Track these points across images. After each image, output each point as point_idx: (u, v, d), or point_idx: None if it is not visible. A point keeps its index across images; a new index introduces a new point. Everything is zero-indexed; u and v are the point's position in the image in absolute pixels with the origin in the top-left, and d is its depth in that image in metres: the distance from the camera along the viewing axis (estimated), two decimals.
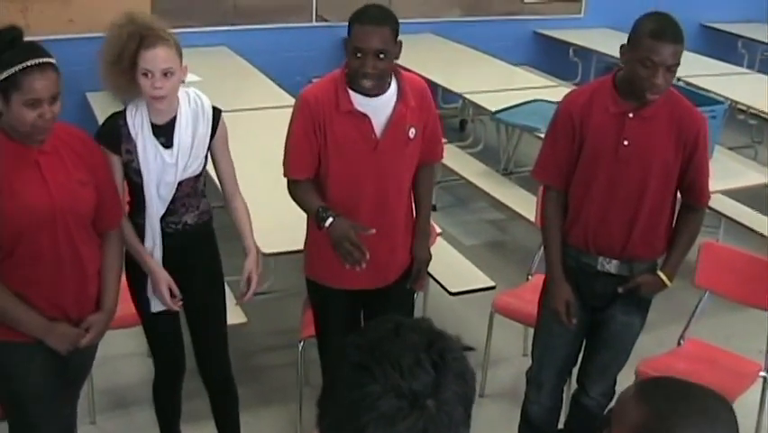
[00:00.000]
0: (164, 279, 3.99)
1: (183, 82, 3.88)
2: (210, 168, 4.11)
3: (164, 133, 3.88)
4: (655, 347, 4.93)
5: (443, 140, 4.28)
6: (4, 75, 3.27)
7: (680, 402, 1.95)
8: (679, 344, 4.90)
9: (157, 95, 3.75)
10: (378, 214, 3.97)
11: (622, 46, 3.86)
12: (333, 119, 3.87)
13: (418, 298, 4.50)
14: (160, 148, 3.86)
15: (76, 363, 3.78)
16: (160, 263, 3.98)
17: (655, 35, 3.70)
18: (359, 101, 3.85)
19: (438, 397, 1.54)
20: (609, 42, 8.69)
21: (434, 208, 4.39)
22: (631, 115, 3.87)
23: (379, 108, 3.88)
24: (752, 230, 6.37)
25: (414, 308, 4.42)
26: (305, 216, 4.05)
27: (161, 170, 3.86)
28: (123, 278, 3.93)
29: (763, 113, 8.00)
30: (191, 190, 3.98)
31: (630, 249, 4.04)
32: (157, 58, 3.73)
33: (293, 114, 3.97)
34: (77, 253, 3.54)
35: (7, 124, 3.39)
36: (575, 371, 4.45)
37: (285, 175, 3.99)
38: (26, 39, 3.38)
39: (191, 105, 3.93)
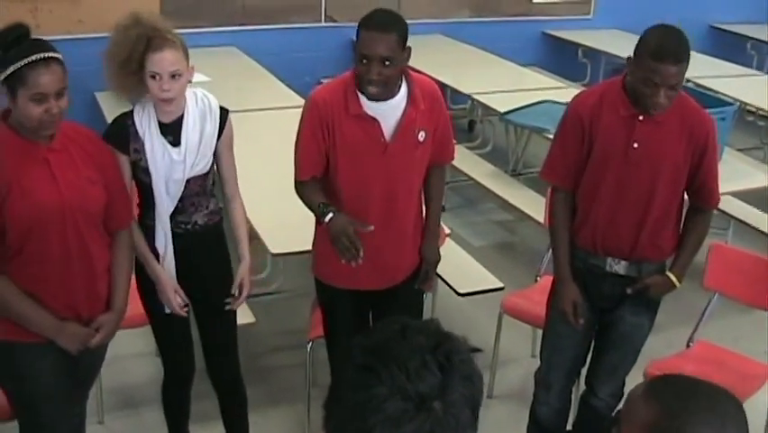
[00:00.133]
0: (171, 285, 4.00)
1: (190, 82, 3.89)
2: None
3: (171, 132, 3.89)
4: (664, 349, 4.93)
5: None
6: (10, 70, 3.29)
7: (690, 400, 1.94)
8: (688, 345, 4.89)
9: (166, 97, 3.77)
10: (387, 215, 3.97)
11: (628, 58, 3.85)
12: (342, 122, 3.86)
13: (427, 298, 4.49)
14: (168, 146, 3.87)
15: (86, 363, 3.79)
16: (172, 263, 3.99)
17: (657, 57, 3.68)
18: (368, 104, 3.85)
19: (445, 399, 1.54)
20: (618, 44, 8.71)
21: (443, 209, 4.38)
22: (641, 117, 3.86)
23: (388, 112, 3.88)
24: (761, 232, 6.35)
25: (423, 308, 4.42)
26: (313, 216, 4.05)
27: (169, 168, 3.87)
28: (133, 278, 3.93)
29: None
30: (200, 189, 3.99)
31: (639, 250, 4.03)
32: (164, 61, 3.74)
33: (302, 115, 3.98)
34: (86, 250, 3.55)
35: (15, 120, 3.40)
36: (584, 372, 4.44)
37: (295, 177, 4.00)
38: (34, 37, 3.40)
39: (198, 105, 3.95)
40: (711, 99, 6.49)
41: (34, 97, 3.29)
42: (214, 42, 8.55)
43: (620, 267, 4.08)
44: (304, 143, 3.96)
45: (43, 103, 3.31)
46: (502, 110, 7.32)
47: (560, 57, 10.15)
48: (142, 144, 3.86)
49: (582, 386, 4.48)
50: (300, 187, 4.00)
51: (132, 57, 3.76)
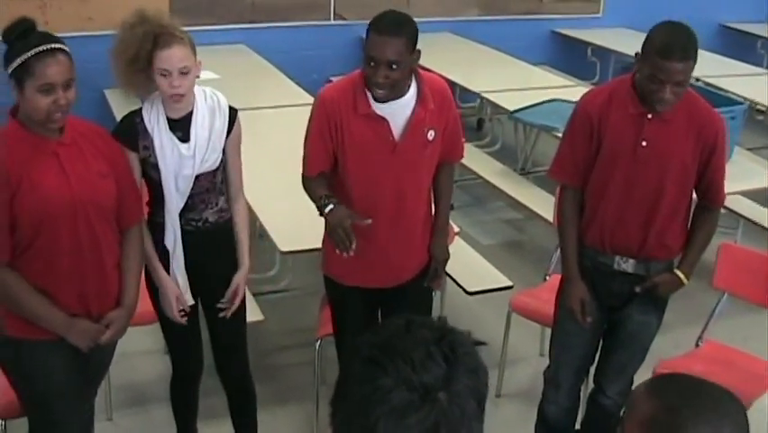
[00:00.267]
0: (173, 291, 4.02)
1: (198, 77, 3.89)
2: None
3: (180, 128, 3.90)
4: (672, 349, 4.92)
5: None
6: (18, 62, 3.31)
7: (692, 398, 1.95)
8: (696, 345, 4.88)
9: (175, 93, 3.78)
10: (396, 214, 3.98)
11: (636, 54, 3.85)
12: (350, 121, 3.87)
13: (435, 297, 4.48)
14: (177, 142, 3.88)
15: (96, 360, 3.80)
16: (181, 260, 4.00)
17: (663, 54, 3.68)
18: (377, 104, 3.85)
19: (450, 390, 1.54)
20: (628, 42, 8.68)
21: (452, 207, 4.37)
22: (650, 116, 3.86)
23: (397, 111, 3.88)
24: None
25: (432, 306, 4.42)
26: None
27: (179, 164, 3.88)
28: (142, 275, 3.93)
29: None
30: (210, 185, 3.99)
31: (647, 249, 4.03)
32: (173, 57, 3.75)
33: (311, 113, 3.99)
34: (96, 245, 3.55)
35: (24, 114, 3.41)
36: (592, 370, 4.44)
37: (303, 172, 4.01)
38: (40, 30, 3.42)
39: (207, 102, 3.96)
40: (721, 98, 6.48)
41: (42, 88, 3.30)
42: (224, 40, 8.57)
43: (628, 265, 4.08)
44: (312, 141, 3.97)
45: (51, 94, 3.31)
46: (511, 109, 7.32)
47: (569, 55, 10.15)
48: (152, 141, 3.86)
49: (591, 385, 4.47)
50: (307, 181, 4.02)
51: (140, 54, 3.78)
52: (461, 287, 5.03)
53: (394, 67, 3.70)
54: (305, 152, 4.01)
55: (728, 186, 4.11)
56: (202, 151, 3.90)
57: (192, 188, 3.94)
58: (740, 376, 4.50)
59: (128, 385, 5.27)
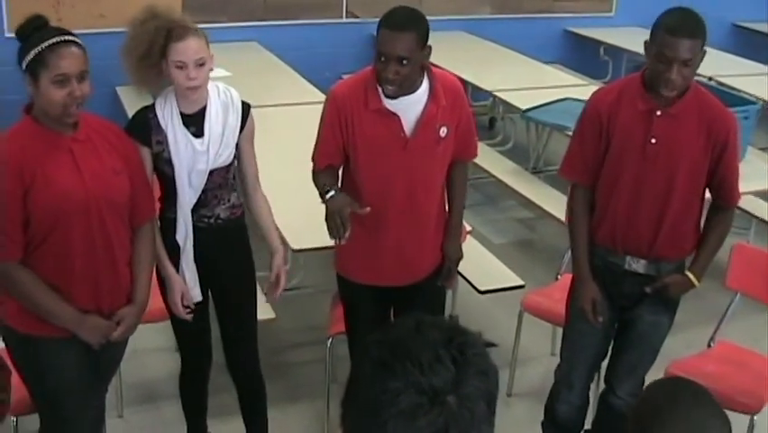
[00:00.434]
0: (178, 286, 4.02)
1: (212, 69, 3.89)
2: None
3: (194, 123, 3.90)
4: (684, 349, 4.91)
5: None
6: (32, 54, 3.32)
7: (667, 403, 1.98)
8: (709, 345, 4.86)
9: (192, 85, 3.78)
10: (408, 211, 3.98)
11: (645, 42, 3.85)
12: (361, 117, 3.88)
13: (447, 296, 4.48)
14: (191, 137, 3.88)
15: (107, 357, 3.80)
16: (191, 255, 4.00)
17: (670, 30, 3.70)
18: (388, 100, 3.85)
19: (459, 393, 1.54)
20: (640, 41, 8.53)
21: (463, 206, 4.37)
22: (659, 112, 3.86)
23: (408, 107, 3.88)
24: None
25: (444, 306, 4.41)
26: None
27: (192, 159, 3.88)
28: (153, 271, 3.94)
29: None
30: (222, 181, 4.00)
31: (658, 248, 4.02)
32: (189, 49, 3.76)
33: (323, 109, 4.02)
34: (109, 242, 3.56)
35: (39, 110, 3.42)
36: (603, 370, 4.43)
37: (312, 166, 4.03)
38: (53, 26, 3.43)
39: (221, 97, 3.97)
40: (734, 98, 6.46)
41: (56, 79, 3.31)
42: (236, 38, 8.57)
43: (639, 266, 4.07)
44: (322, 136, 4.00)
45: (66, 86, 3.32)
46: (523, 107, 7.31)
47: (581, 54, 10.13)
48: (165, 136, 3.87)
49: (602, 385, 4.46)
50: (315, 175, 4.03)
51: (153, 49, 3.79)
52: (472, 286, 5.02)
53: (404, 62, 3.71)
54: (315, 146, 4.04)
55: (741, 186, 4.08)
56: (216, 146, 3.91)
57: (205, 184, 3.94)
58: (752, 377, 4.48)
59: (139, 382, 5.28)
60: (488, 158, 7.28)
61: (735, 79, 8.11)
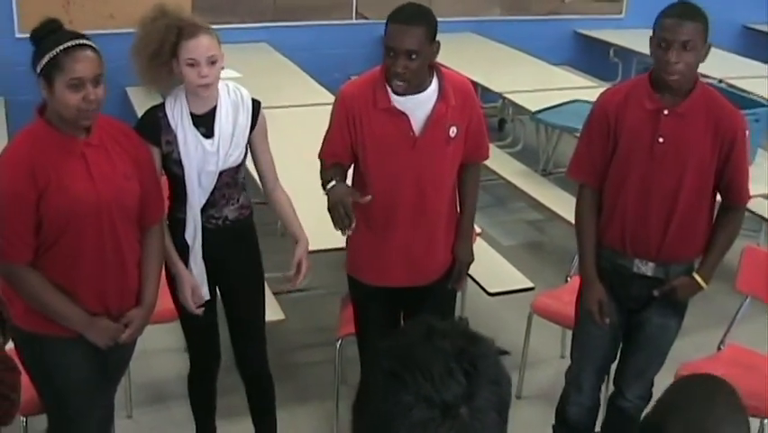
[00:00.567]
0: (188, 282, 4.02)
1: (222, 68, 3.89)
2: (249, 162, 4.13)
3: (204, 123, 3.90)
4: (694, 352, 4.89)
5: None
6: (46, 59, 3.32)
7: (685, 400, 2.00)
8: (719, 348, 4.85)
9: (204, 83, 3.78)
10: (417, 211, 3.98)
11: (650, 38, 3.86)
12: (370, 116, 3.88)
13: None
14: (201, 138, 3.88)
15: (115, 358, 3.81)
16: (199, 255, 4.00)
17: (667, 14, 3.76)
18: (397, 99, 3.85)
19: (471, 405, 1.53)
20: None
21: None
22: (666, 112, 3.85)
23: (417, 106, 3.87)
24: None
25: (455, 308, 4.41)
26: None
27: (202, 159, 3.88)
28: (163, 271, 3.94)
29: None
30: (231, 180, 4.00)
31: (666, 249, 4.00)
32: (201, 46, 3.76)
33: (332, 108, 4.04)
34: (119, 246, 3.57)
35: (53, 113, 3.42)
36: (613, 372, 4.43)
37: (320, 164, 4.04)
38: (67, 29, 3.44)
39: (231, 96, 3.97)
40: (744, 100, 6.44)
41: (71, 83, 3.31)
42: (246, 39, 8.58)
43: (647, 268, 4.06)
44: (330, 135, 4.02)
45: (81, 90, 3.32)
46: (533, 109, 7.30)
47: (591, 56, 10.12)
48: (175, 136, 3.87)
49: (611, 387, 4.45)
50: (322, 171, 4.02)
51: (163, 47, 3.79)
52: (482, 287, 5.02)
53: (413, 56, 3.71)
54: (322, 144, 4.06)
55: (751, 188, 4.07)
56: (226, 146, 3.91)
57: (214, 184, 3.94)
58: (763, 380, 4.47)
59: (148, 383, 5.28)
60: (497, 159, 7.27)
61: (745, 81, 8.08)
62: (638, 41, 9.48)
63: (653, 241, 4.00)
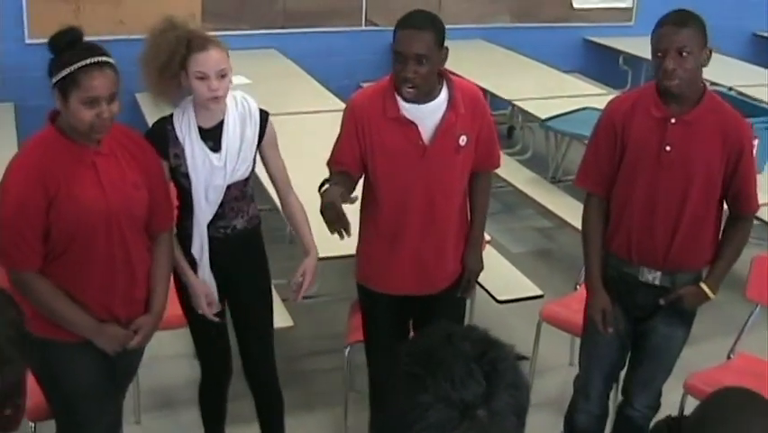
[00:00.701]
0: (202, 290, 4.01)
1: (230, 82, 3.88)
2: (261, 170, 4.13)
3: (212, 137, 3.89)
4: (704, 361, 4.87)
5: None
6: (64, 73, 3.31)
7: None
8: (728, 357, 4.84)
9: (214, 96, 3.77)
10: (427, 220, 3.97)
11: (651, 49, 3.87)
12: (379, 125, 3.88)
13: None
14: (208, 152, 3.87)
15: (123, 364, 3.81)
16: (207, 268, 3.99)
17: (661, 23, 3.78)
18: (406, 108, 3.85)
19: (490, 407, 1.53)
20: None
21: None
22: (673, 120, 3.85)
23: (427, 115, 3.87)
24: None
25: (464, 316, 4.40)
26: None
27: (210, 174, 3.88)
28: (171, 279, 3.94)
29: None
30: (239, 194, 3.99)
31: (673, 258, 3.99)
32: (211, 60, 3.75)
33: (342, 118, 4.03)
34: (128, 254, 3.57)
35: (65, 123, 3.42)
36: (621, 382, 4.41)
37: (328, 168, 4.04)
38: (87, 41, 3.43)
39: (239, 109, 3.95)
40: (755, 108, 6.44)
41: (86, 101, 3.31)
42: (255, 45, 8.60)
43: (654, 277, 4.05)
44: (339, 144, 4.02)
45: (95, 107, 3.32)
46: (542, 116, 7.30)
47: (601, 63, 10.11)
48: (182, 150, 3.86)
49: (620, 397, 4.44)
50: (329, 173, 4.01)
51: (173, 60, 3.78)
52: (491, 295, 5.01)
53: (423, 61, 3.70)
54: (331, 152, 4.05)
55: (760, 197, 4.07)
56: (233, 161, 3.90)
57: (222, 198, 3.94)
58: None
59: (156, 388, 5.28)
60: (506, 167, 7.23)
61: (754, 89, 8.05)
62: (648, 48, 9.45)
63: (659, 250, 3.99)
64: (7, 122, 7.11)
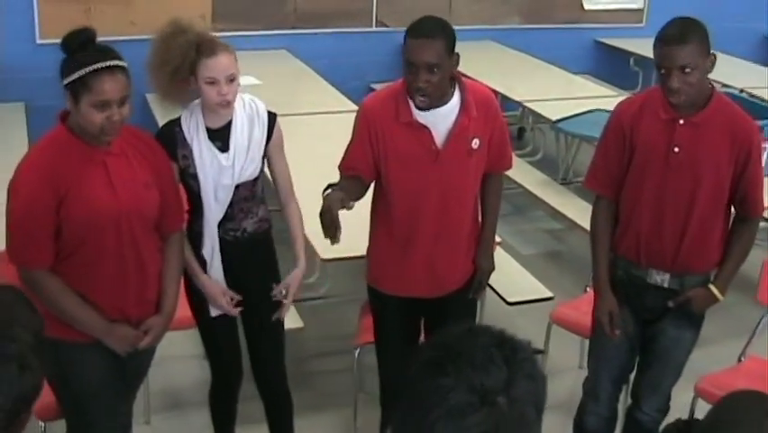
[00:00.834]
0: (219, 291, 4.01)
1: (239, 85, 3.89)
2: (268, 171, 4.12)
3: (220, 138, 3.90)
4: (714, 364, 4.86)
5: None
6: (75, 76, 3.32)
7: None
8: (739, 360, 4.83)
9: (224, 100, 3.77)
10: (440, 223, 3.97)
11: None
12: (392, 130, 3.87)
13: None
14: (216, 152, 3.88)
15: (134, 365, 3.81)
16: (219, 271, 4.00)
17: (660, 41, 3.76)
18: (419, 112, 3.84)
19: (510, 394, 1.55)
20: None
21: None
22: (681, 121, 3.84)
23: (439, 119, 3.86)
24: None
25: (475, 318, 4.39)
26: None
27: (218, 173, 3.88)
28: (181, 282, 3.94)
29: None
30: (249, 194, 3.99)
31: (681, 260, 3.99)
32: (220, 64, 3.76)
33: (354, 121, 4.02)
34: (138, 254, 3.57)
35: (75, 124, 3.43)
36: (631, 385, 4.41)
37: (339, 170, 4.03)
38: (100, 43, 3.43)
39: (246, 110, 3.95)
40: (766, 110, 6.41)
41: (97, 104, 3.32)
42: (266, 46, 8.61)
43: (662, 279, 4.04)
44: (351, 149, 4.02)
45: (106, 110, 3.33)
46: (553, 118, 7.29)
47: (611, 65, 10.09)
48: (191, 150, 3.87)
49: (629, 400, 4.43)
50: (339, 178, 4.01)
51: (184, 64, 3.78)
52: (501, 297, 5.01)
53: (435, 70, 3.70)
54: (343, 157, 4.05)
55: (767, 200, 4.05)
56: (241, 160, 3.90)
57: (231, 198, 3.93)
58: None
59: (166, 389, 5.29)
60: (517, 168, 7.20)
61: (766, 91, 8.04)
62: None
63: (667, 252, 3.99)
64: (18, 122, 7.13)
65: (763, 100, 7.46)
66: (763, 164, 4.03)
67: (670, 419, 3.27)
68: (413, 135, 3.85)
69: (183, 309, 4.06)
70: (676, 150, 3.85)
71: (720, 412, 2.19)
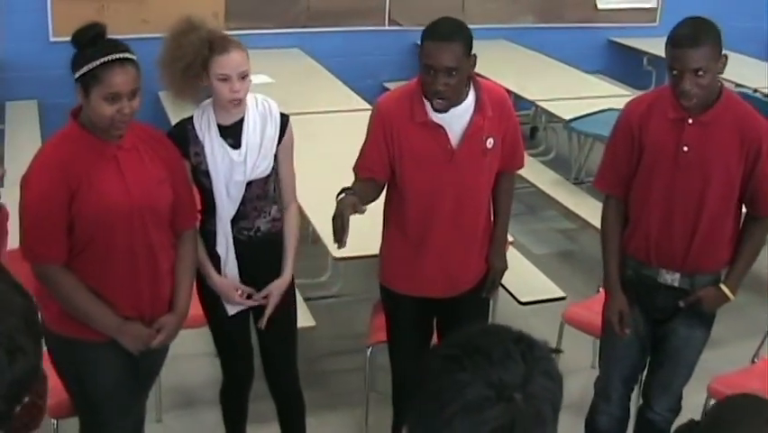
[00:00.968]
0: (231, 287, 4.01)
1: (250, 82, 3.89)
2: None
3: (231, 135, 3.90)
4: (727, 365, 4.84)
5: None
6: (85, 69, 3.33)
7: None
8: (753, 361, 4.81)
9: (236, 98, 3.78)
10: (455, 223, 3.97)
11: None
12: (407, 130, 3.87)
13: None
14: (228, 148, 3.88)
15: (147, 363, 3.81)
16: (234, 269, 4.00)
17: (673, 43, 3.72)
18: (434, 112, 3.83)
19: (526, 390, 1.55)
20: None
21: None
22: (690, 120, 3.83)
23: (454, 119, 3.86)
24: None
25: (488, 317, 4.39)
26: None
27: (230, 169, 3.88)
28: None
29: None
30: (261, 192, 3.98)
31: (691, 260, 3.98)
32: (233, 62, 3.76)
33: (369, 121, 4.01)
34: (151, 250, 3.58)
35: (86, 118, 3.43)
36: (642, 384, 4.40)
37: (354, 175, 4.02)
38: (110, 37, 3.43)
39: (259, 108, 3.96)
40: None
41: (108, 97, 3.33)
42: (279, 44, 8.61)
43: (673, 279, 4.03)
44: (366, 149, 4.01)
45: (116, 102, 3.33)
46: (566, 117, 7.28)
47: (625, 64, 10.07)
48: (202, 147, 3.87)
49: (640, 400, 4.42)
50: (354, 181, 4.00)
51: (196, 60, 3.78)
52: (513, 297, 5.00)
53: (453, 73, 3.69)
54: (358, 157, 4.04)
55: None
56: (253, 156, 3.90)
57: (244, 196, 3.93)
58: None
59: (178, 387, 5.29)
60: (529, 168, 7.19)
61: None
62: None
63: (677, 251, 3.98)
64: (31, 119, 7.15)
65: None
66: None
67: (683, 419, 3.26)
68: (428, 135, 3.85)
69: (195, 308, 4.05)
70: (685, 149, 3.84)
71: (722, 411, 2.19)
